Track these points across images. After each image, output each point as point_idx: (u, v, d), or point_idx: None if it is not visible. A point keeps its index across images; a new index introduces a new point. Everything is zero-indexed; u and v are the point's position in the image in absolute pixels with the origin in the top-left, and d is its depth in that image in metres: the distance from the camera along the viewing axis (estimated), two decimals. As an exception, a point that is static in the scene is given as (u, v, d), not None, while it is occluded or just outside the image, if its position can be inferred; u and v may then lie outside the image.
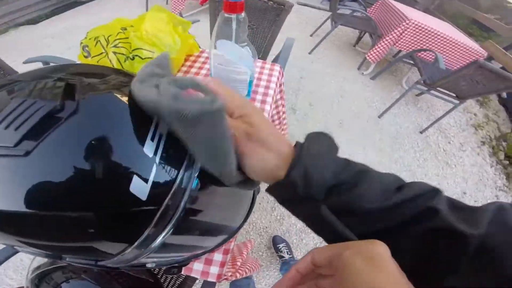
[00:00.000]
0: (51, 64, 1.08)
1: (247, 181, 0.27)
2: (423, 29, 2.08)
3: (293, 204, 0.26)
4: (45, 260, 0.46)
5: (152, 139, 0.23)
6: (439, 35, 2.08)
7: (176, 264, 0.41)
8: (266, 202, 1.49)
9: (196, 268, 0.52)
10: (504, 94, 1.77)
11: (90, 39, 0.61)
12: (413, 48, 2.17)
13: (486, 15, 3.33)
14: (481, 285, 0.20)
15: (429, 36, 2.11)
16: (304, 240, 1.41)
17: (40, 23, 2.76)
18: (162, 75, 0.23)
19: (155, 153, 0.22)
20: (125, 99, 0.23)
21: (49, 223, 0.20)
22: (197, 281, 0.92)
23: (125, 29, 0.60)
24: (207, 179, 0.28)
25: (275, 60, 1.17)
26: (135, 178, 0.21)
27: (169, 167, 0.24)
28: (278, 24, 1.33)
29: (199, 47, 0.89)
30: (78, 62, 0.85)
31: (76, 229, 0.21)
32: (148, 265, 0.33)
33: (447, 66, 2.15)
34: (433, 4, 3.85)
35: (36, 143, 0.18)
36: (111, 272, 0.49)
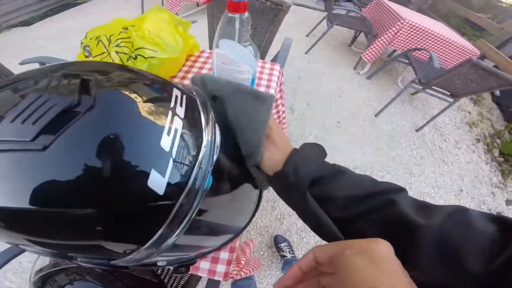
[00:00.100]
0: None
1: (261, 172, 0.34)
2: (417, 29, 2.11)
3: (286, 193, 0.31)
4: (48, 262, 0.46)
5: (168, 134, 0.23)
6: (433, 34, 2.11)
7: (186, 263, 0.41)
8: (266, 201, 1.49)
9: (203, 267, 0.52)
10: (497, 92, 1.80)
11: (91, 39, 0.61)
12: (407, 47, 2.20)
13: (478, 14, 3.38)
14: (441, 278, 0.22)
15: (424, 35, 2.14)
16: (304, 239, 1.41)
17: (34, 24, 2.72)
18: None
19: (171, 147, 0.22)
20: (134, 95, 0.23)
21: (66, 220, 0.20)
22: (200, 282, 0.92)
23: (127, 28, 0.60)
24: (220, 177, 0.28)
25: (273, 60, 1.17)
26: (153, 172, 0.21)
27: (184, 162, 0.24)
28: (276, 24, 1.34)
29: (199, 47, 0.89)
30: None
31: (94, 226, 0.21)
32: (159, 263, 0.33)
33: (441, 65, 2.18)
34: (426, 3, 3.90)
35: (54, 137, 0.18)
36: (114, 273, 0.49)
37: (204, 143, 0.26)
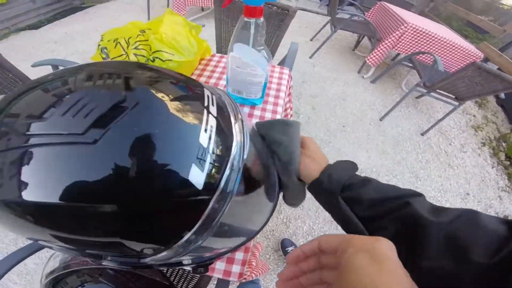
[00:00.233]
0: (60, 67, 1.08)
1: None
2: (421, 32, 2.12)
3: (321, 197, 0.38)
4: (58, 264, 0.46)
5: (205, 131, 0.23)
6: (436, 37, 2.12)
7: (205, 263, 0.41)
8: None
9: (218, 267, 0.52)
10: (502, 95, 1.80)
11: (108, 41, 0.62)
12: (411, 51, 2.21)
13: (480, 17, 3.39)
14: (449, 267, 0.24)
15: (427, 39, 2.15)
16: (311, 242, 1.41)
17: (42, 28, 2.75)
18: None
19: (208, 144, 0.23)
20: (173, 93, 0.24)
21: (109, 216, 0.20)
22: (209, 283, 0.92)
23: (144, 31, 0.61)
24: (245, 177, 0.29)
25: (281, 64, 1.18)
26: (193, 167, 0.21)
27: (219, 159, 0.24)
28: (282, 29, 1.35)
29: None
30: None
31: (137, 221, 0.21)
32: (184, 262, 0.34)
33: (445, 68, 2.18)
34: (427, 6, 3.92)
35: (104, 131, 0.19)
36: (126, 275, 0.49)
37: (235, 142, 0.27)
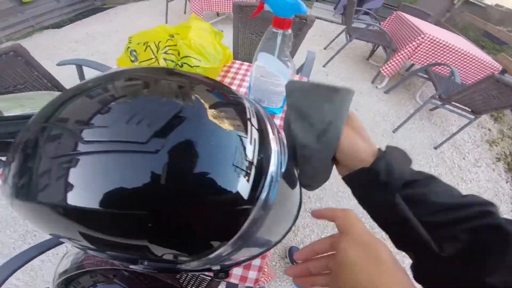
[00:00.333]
0: (83, 67, 1.12)
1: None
2: (438, 43, 2.10)
3: (369, 190, 0.30)
4: (71, 264, 0.47)
5: (251, 143, 0.24)
6: (453, 49, 2.09)
7: (227, 268, 0.42)
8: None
9: (235, 273, 0.53)
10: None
11: (138, 44, 0.64)
12: (427, 62, 2.19)
13: (498, 27, 3.32)
14: None
15: (444, 50, 2.12)
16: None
17: (64, 27, 2.85)
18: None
19: (253, 156, 0.24)
20: (222, 106, 0.25)
21: (164, 222, 0.21)
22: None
23: (173, 36, 0.63)
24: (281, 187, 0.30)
25: (297, 73, 1.20)
26: (241, 178, 0.22)
27: (260, 171, 0.25)
28: (300, 37, 1.37)
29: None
30: (115, 66, 0.89)
31: (189, 227, 0.22)
32: (213, 268, 0.34)
33: (462, 80, 2.15)
34: (444, 16, 3.87)
35: (166, 141, 0.19)
36: (140, 276, 0.50)
37: (274, 154, 0.27)
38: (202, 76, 0.31)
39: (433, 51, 2.15)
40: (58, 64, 1.12)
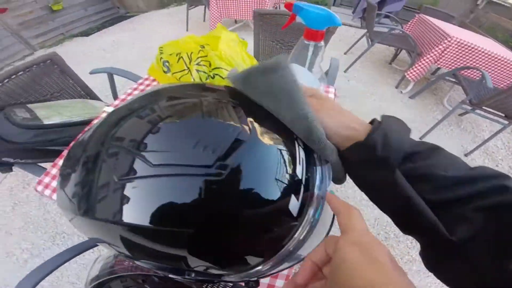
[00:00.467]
0: (114, 75, 1.16)
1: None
2: (466, 46, 2.01)
3: (367, 168, 0.26)
4: (103, 269, 0.48)
5: (299, 163, 0.24)
6: (482, 51, 1.99)
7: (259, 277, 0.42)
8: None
9: (263, 281, 0.52)
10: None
11: (171, 54, 0.65)
12: (455, 66, 2.09)
13: (526, 27, 3.13)
14: None
15: (473, 53, 2.02)
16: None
17: (92, 35, 2.99)
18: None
19: (302, 175, 0.24)
20: (273, 128, 0.25)
21: (223, 239, 0.22)
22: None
23: (203, 46, 0.64)
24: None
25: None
26: (292, 197, 0.23)
27: (308, 188, 0.25)
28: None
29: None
30: (145, 76, 0.92)
31: (244, 244, 0.23)
32: (253, 278, 0.34)
33: (494, 84, 2.04)
34: (468, 18, 3.71)
35: (228, 165, 0.20)
36: (168, 282, 0.50)
37: (318, 172, 0.27)
38: (235, 90, 0.31)
39: (461, 55, 2.06)
40: (91, 73, 1.15)
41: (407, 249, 1.34)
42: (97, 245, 0.68)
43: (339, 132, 0.27)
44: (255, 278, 0.36)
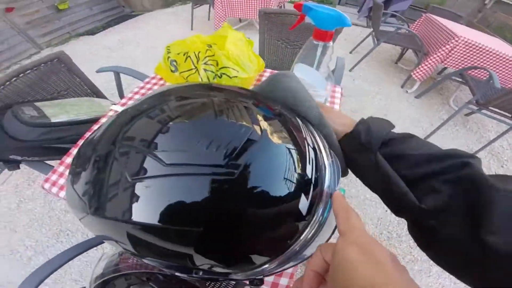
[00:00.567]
0: (121, 74, 1.17)
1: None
2: (473, 46, 1.98)
3: (355, 152, 0.32)
4: (108, 267, 0.49)
5: (309, 162, 0.24)
6: (490, 51, 1.97)
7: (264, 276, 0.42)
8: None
9: (267, 279, 0.52)
10: None
11: (178, 54, 0.65)
12: (463, 65, 2.07)
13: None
14: None
15: (480, 53, 2.00)
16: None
17: (97, 34, 3.01)
18: None
19: (311, 174, 0.24)
20: (284, 126, 0.25)
21: (230, 237, 0.22)
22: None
23: (210, 46, 0.64)
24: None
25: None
26: (302, 196, 0.23)
27: (317, 187, 0.25)
28: (329, 43, 1.34)
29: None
30: (152, 75, 0.93)
31: (258, 243, 0.23)
32: (259, 276, 0.35)
33: (501, 84, 2.01)
34: (476, 17, 3.66)
35: (241, 165, 0.20)
36: (172, 280, 0.51)
37: (328, 171, 0.27)
38: (245, 90, 0.32)
39: (468, 54, 2.04)
40: (98, 71, 1.15)
41: (409, 248, 1.33)
42: (102, 243, 0.68)
43: (336, 129, 0.34)
44: (261, 276, 0.36)
